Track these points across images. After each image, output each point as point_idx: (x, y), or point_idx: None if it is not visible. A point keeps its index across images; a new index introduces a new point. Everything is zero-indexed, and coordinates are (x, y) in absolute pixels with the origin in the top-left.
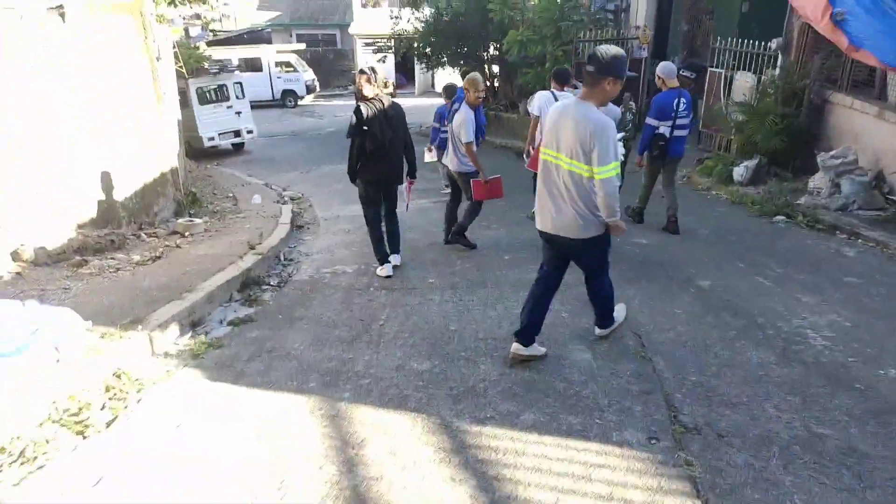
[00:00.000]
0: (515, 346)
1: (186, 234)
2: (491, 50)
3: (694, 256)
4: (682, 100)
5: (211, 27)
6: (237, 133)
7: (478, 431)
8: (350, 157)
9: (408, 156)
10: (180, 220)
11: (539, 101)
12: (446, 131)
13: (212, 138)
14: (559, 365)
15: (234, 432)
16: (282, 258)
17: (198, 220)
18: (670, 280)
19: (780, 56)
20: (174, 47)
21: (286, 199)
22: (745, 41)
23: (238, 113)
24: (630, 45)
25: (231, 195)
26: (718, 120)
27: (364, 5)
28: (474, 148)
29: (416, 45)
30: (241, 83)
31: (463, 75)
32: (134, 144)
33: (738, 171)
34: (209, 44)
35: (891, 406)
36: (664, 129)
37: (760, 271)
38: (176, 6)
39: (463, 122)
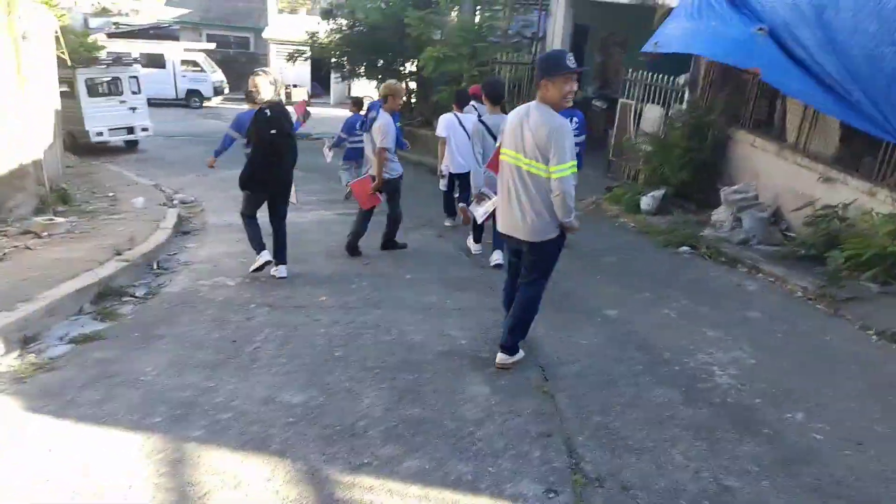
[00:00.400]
0: (500, 357)
1: (43, 234)
2: (408, 65)
3: (600, 285)
4: (575, 119)
5: (116, 20)
6: (130, 130)
7: (350, 482)
8: (249, 163)
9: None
10: (38, 219)
11: (443, 124)
12: (355, 141)
13: (100, 133)
14: (453, 400)
15: (40, 483)
16: (155, 266)
17: (60, 220)
18: (576, 309)
19: (686, 91)
20: (56, 32)
21: (175, 202)
22: (655, 75)
23: (132, 109)
24: None
25: (111, 195)
26: (628, 150)
27: (281, 11)
28: (388, 155)
29: (332, 53)
30: (136, 77)
31: (379, 87)
32: None
33: (646, 201)
34: (110, 35)
35: (799, 454)
36: None
37: (666, 303)
38: None
39: (383, 126)
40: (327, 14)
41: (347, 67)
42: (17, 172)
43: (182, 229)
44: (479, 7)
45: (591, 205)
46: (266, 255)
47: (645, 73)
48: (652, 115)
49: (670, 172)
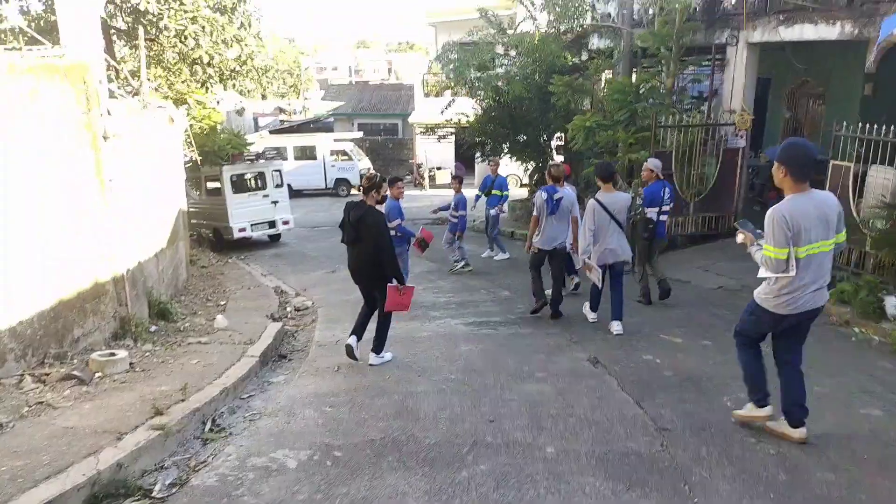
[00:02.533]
0: None
1: (96, 376)
2: (555, 139)
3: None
4: (667, 189)
5: (284, 118)
6: (272, 224)
7: None
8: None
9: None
10: (96, 354)
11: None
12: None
13: (243, 229)
14: None
15: None
16: (207, 426)
17: (121, 354)
18: None
19: None
20: (187, 131)
21: (288, 310)
22: (882, 127)
23: (274, 202)
24: (723, 133)
25: (223, 303)
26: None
27: (427, 95)
28: None
29: (475, 132)
30: (280, 171)
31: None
32: (51, 242)
33: (894, 303)
34: (272, 132)
35: None
36: (651, 213)
37: None
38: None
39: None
40: (471, 90)
41: (490, 145)
42: (88, 294)
43: (280, 352)
44: (635, 69)
45: None
46: (353, 341)
47: (864, 126)
48: (881, 178)
49: None
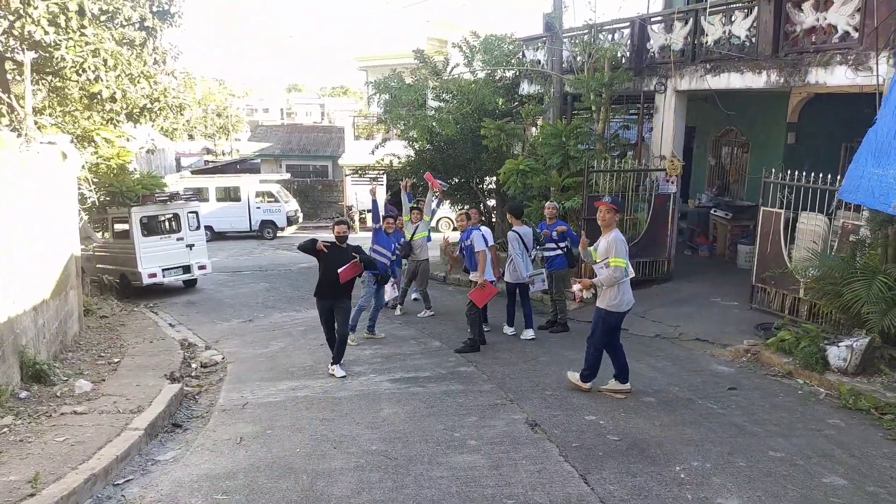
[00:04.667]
0: None
1: None
2: (487, 182)
3: None
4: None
5: (210, 158)
6: (186, 269)
7: None
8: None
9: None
10: None
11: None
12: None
13: (153, 274)
14: None
15: None
16: None
17: None
18: None
19: None
20: (86, 169)
21: (193, 366)
22: (810, 175)
23: (190, 246)
24: (654, 178)
25: (116, 360)
26: (777, 272)
27: (357, 137)
28: None
29: (406, 175)
30: (196, 212)
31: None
32: None
33: (837, 353)
34: (195, 172)
35: None
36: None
37: None
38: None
39: None
40: (404, 133)
41: (422, 187)
42: None
43: (174, 419)
44: (565, 115)
45: (745, 354)
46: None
47: (791, 173)
48: (813, 225)
49: (873, 311)
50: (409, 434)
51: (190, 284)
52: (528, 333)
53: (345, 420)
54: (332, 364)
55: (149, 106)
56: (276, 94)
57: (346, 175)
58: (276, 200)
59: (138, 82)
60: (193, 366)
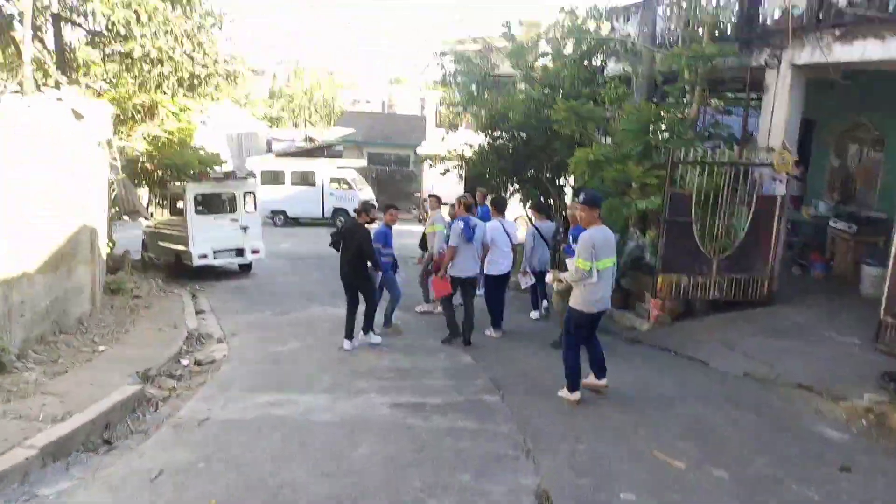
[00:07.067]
0: None
1: None
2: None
3: None
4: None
5: (301, 144)
6: (239, 252)
7: None
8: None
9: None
10: None
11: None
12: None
13: (204, 255)
14: None
15: None
16: None
17: None
18: None
19: None
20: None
21: (184, 363)
22: None
23: (244, 228)
24: (757, 176)
25: (102, 348)
26: None
27: (439, 125)
28: None
29: (480, 167)
30: (253, 193)
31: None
32: None
33: None
34: (278, 155)
35: None
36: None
37: None
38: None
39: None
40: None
41: (495, 181)
42: None
43: (108, 434)
44: (654, 98)
45: (866, 414)
46: (347, 345)
47: None
48: None
49: None
50: (371, 492)
51: (245, 269)
52: (534, 314)
53: (303, 459)
54: (365, 334)
55: (196, 73)
56: (379, 86)
57: (427, 164)
58: (350, 188)
59: (181, 43)
60: (185, 362)
